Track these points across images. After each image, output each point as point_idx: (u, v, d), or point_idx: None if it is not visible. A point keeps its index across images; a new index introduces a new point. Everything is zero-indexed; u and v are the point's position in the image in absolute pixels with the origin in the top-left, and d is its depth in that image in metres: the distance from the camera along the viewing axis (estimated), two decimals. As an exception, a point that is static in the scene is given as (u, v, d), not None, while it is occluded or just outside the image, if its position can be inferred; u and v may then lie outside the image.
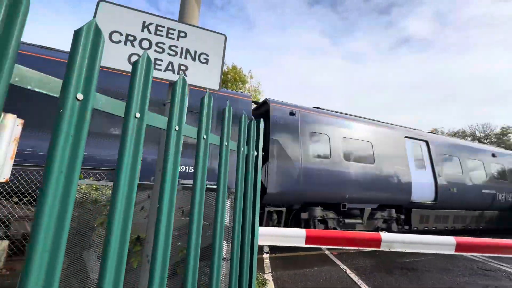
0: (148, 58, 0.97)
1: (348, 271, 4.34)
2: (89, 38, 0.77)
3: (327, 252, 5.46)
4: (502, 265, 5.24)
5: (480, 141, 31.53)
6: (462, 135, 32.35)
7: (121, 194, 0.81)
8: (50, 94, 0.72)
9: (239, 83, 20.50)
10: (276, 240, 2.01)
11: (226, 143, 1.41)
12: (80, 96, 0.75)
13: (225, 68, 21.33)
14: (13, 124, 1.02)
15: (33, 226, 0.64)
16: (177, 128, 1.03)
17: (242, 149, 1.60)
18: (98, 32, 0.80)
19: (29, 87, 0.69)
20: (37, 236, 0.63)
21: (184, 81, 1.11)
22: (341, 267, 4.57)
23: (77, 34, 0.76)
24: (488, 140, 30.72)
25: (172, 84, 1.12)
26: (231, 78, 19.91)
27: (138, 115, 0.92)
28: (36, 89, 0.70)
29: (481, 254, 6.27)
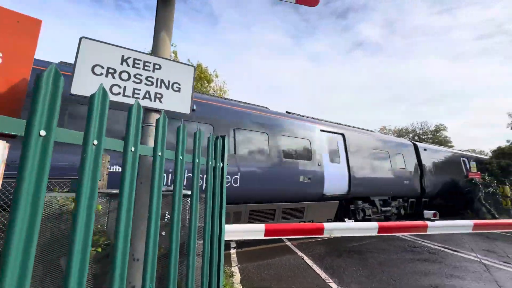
0: (104, 91, 1.09)
1: (305, 258, 4.98)
2: (49, 82, 0.90)
3: (288, 243, 6.08)
4: (426, 242, 6.47)
5: (419, 137, 36.28)
6: (405, 132, 36.90)
7: (81, 212, 0.97)
8: (13, 133, 0.89)
9: (205, 82, 20.38)
10: (241, 235, 2.41)
11: (197, 160, 1.76)
12: (43, 132, 0.88)
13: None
14: (2, 148, 1.22)
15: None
16: (132, 149, 1.18)
17: (210, 162, 1.95)
18: (57, 76, 0.92)
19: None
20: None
21: (139, 106, 1.28)
22: (300, 255, 5.20)
23: (39, 80, 0.88)
24: (425, 136, 35.53)
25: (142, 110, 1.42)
26: (196, 77, 19.65)
27: (95, 142, 1.04)
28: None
29: (410, 234, 7.52)
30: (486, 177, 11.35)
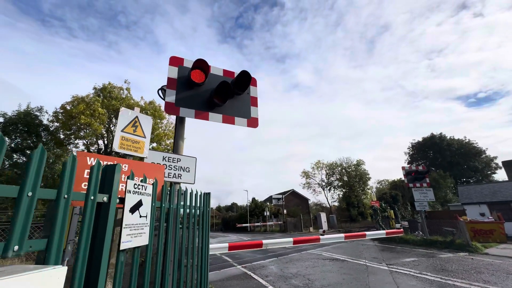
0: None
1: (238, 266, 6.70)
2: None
3: (239, 266, 7.70)
4: (324, 252, 8.99)
5: (346, 170, 43.19)
6: (335, 166, 43.63)
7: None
8: None
9: (157, 119, 21.23)
10: (217, 250, 4.12)
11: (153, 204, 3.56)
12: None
13: (142, 103, 21.67)
14: None
15: None
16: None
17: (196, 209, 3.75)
18: None
19: None
20: None
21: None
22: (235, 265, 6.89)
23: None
24: (350, 169, 42.56)
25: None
26: (149, 114, 20.42)
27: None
28: None
29: (319, 249, 10.16)
30: (383, 204, 15.38)
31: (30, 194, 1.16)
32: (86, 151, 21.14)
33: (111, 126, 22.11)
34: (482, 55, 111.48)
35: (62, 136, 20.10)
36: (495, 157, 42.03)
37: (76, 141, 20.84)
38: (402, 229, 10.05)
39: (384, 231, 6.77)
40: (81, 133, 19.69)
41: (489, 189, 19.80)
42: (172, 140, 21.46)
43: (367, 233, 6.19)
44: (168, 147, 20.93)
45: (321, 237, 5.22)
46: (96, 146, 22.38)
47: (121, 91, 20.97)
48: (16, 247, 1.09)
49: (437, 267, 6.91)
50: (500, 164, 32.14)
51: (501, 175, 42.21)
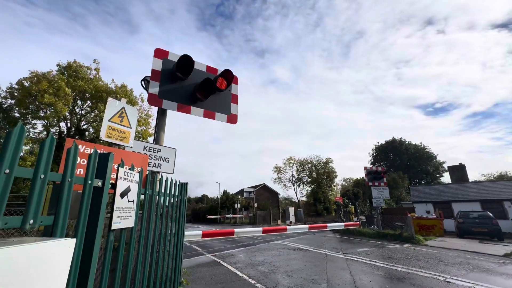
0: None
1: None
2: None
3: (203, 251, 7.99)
4: (289, 243, 9.71)
5: (315, 168, 45.33)
6: (306, 163, 45.59)
7: None
8: None
9: (129, 104, 20.13)
10: (191, 237, 4.36)
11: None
12: None
13: (113, 86, 20.46)
14: None
15: None
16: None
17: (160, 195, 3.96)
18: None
19: None
20: None
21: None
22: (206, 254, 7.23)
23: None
24: (319, 166, 44.78)
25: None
26: (119, 99, 19.28)
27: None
28: None
29: (285, 240, 10.90)
30: (345, 200, 16.71)
31: (42, 176, 1.34)
32: (45, 132, 19.49)
33: (75, 108, 20.58)
34: (441, 69, 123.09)
35: (17, 115, 18.22)
36: (444, 162, 47.37)
37: (33, 121, 19.06)
38: (358, 222, 11.15)
39: (343, 223, 7.58)
40: (41, 113, 18.08)
41: (435, 190, 22.46)
42: (144, 128, 20.69)
43: (328, 224, 6.90)
44: (139, 135, 20.16)
45: (287, 227, 5.71)
46: (56, 128, 20.71)
47: (89, 71, 19.56)
48: (31, 221, 1.27)
49: (385, 255, 7.92)
50: (447, 169, 36.37)
51: (447, 178, 47.81)
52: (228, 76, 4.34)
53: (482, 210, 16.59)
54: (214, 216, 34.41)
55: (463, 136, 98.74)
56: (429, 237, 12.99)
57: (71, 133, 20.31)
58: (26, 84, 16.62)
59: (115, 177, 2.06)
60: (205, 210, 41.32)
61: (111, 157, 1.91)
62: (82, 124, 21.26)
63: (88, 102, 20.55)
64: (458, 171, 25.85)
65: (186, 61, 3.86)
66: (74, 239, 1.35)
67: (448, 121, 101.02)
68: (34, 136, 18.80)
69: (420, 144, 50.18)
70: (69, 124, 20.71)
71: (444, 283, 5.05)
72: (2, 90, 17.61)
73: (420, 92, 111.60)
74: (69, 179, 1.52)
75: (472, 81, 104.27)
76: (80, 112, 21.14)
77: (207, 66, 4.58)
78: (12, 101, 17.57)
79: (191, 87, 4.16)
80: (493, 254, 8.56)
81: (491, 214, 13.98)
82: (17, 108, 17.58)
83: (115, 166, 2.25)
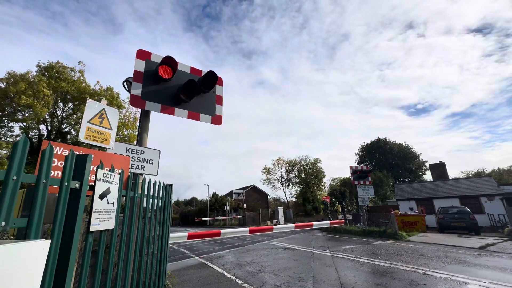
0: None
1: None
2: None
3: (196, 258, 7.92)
4: (278, 243, 9.80)
5: (304, 168, 45.87)
6: (294, 163, 46.05)
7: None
8: None
9: (115, 107, 19.65)
10: (177, 239, 4.33)
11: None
12: None
13: (97, 88, 19.88)
14: None
15: None
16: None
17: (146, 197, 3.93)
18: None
19: None
20: None
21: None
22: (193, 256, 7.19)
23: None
24: (307, 167, 45.36)
25: (132, 177, 3.38)
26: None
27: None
28: None
29: (274, 240, 10.99)
30: (333, 199, 17.03)
31: (15, 178, 1.32)
32: (24, 135, 18.63)
33: (56, 110, 19.82)
34: (422, 71, 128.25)
35: (-7, 117, 17.32)
36: (426, 161, 49.28)
37: (10, 124, 18.19)
38: (343, 220, 11.40)
39: (328, 221, 7.75)
40: (19, 116, 17.30)
41: (417, 188, 23.31)
42: (131, 131, 20.21)
43: (314, 223, 7.04)
44: (126, 138, 19.70)
45: (274, 226, 5.79)
46: (36, 131, 19.87)
47: (73, 72, 18.93)
48: (3, 223, 1.25)
49: (370, 252, 8.15)
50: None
51: (429, 176, 49.74)
52: (212, 78, 4.36)
53: (460, 205, 17.39)
54: (203, 219, 34.04)
55: (444, 135, 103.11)
56: (412, 233, 13.47)
57: (52, 136, 19.53)
58: (1, 85, 15.87)
59: (94, 179, 2.04)
60: (194, 213, 40.79)
61: (89, 158, 1.90)
62: (63, 127, 20.51)
63: (70, 104, 19.85)
64: (439, 169, 26.97)
65: (169, 62, 3.86)
66: (49, 241, 1.34)
67: (429, 121, 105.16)
68: (12, 140, 17.93)
69: (404, 144, 51.96)
70: (49, 127, 19.92)
71: (423, 275, 5.27)
72: (-24, 91, 16.69)
73: (402, 93, 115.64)
74: (44, 181, 1.51)
75: (451, 82, 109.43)
76: (61, 114, 20.39)
77: (191, 68, 4.59)
78: (-13, 103, 16.69)
79: (174, 88, 4.16)
80: (470, 247, 9.01)
81: (468, 210, 14.68)
82: (-8, 110, 16.72)
83: (94, 168, 2.23)
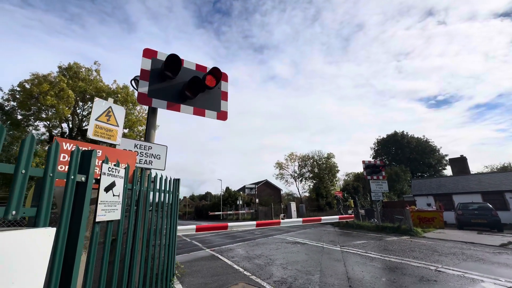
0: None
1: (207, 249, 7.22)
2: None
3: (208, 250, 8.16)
4: (288, 237, 9.84)
5: (317, 163, 45.34)
6: (307, 158, 45.61)
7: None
8: None
9: (130, 104, 20.38)
10: (185, 231, 4.50)
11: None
12: None
13: (114, 87, 20.61)
14: None
15: None
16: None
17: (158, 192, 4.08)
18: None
19: None
20: None
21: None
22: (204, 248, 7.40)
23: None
24: (320, 162, 44.79)
25: (138, 171, 3.52)
26: (121, 99, 19.52)
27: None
28: None
29: (285, 235, 10.96)
30: (345, 195, 16.79)
31: (23, 171, 1.45)
32: (48, 134, 19.77)
33: (77, 109, 20.79)
34: (442, 61, 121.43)
35: (19, 117, 18.48)
36: (446, 155, 46.99)
37: (36, 123, 19.36)
38: (353, 215, 11.24)
39: (337, 216, 7.68)
40: (43, 115, 18.35)
41: (436, 183, 22.41)
42: (145, 127, 20.86)
43: (322, 217, 7.01)
44: (141, 134, 20.36)
45: (281, 220, 5.85)
46: (59, 129, 20.99)
47: (89, 72, 19.72)
48: (14, 212, 1.39)
49: (381, 247, 8.02)
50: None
51: (449, 171, 47.52)
52: (217, 74, 4.42)
53: (482, 201, 16.56)
54: (216, 213, 34.75)
55: (466, 128, 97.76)
56: (428, 229, 13.04)
57: (74, 133, 20.59)
58: (27, 86, 16.86)
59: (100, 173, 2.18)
60: (208, 207, 41.71)
61: (94, 153, 2.02)
62: (84, 125, 21.51)
63: (89, 103, 20.74)
64: (459, 164, 25.72)
65: (174, 60, 3.95)
66: (54, 228, 1.48)
67: (450, 114, 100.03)
68: (37, 138, 19.08)
69: (422, 138, 49.82)
70: (71, 125, 20.98)
71: (435, 272, 5.14)
72: (4, 92, 17.86)
73: (421, 84, 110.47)
74: (51, 174, 1.64)
75: (474, 72, 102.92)
76: (81, 113, 21.38)
77: (196, 65, 4.67)
78: (14, 103, 17.82)
79: (180, 85, 4.26)
80: (490, 244, 8.61)
81: (490, 206, 13.96)
82: (19, 110, 17.84)
83: (99, 163, 2.37)
